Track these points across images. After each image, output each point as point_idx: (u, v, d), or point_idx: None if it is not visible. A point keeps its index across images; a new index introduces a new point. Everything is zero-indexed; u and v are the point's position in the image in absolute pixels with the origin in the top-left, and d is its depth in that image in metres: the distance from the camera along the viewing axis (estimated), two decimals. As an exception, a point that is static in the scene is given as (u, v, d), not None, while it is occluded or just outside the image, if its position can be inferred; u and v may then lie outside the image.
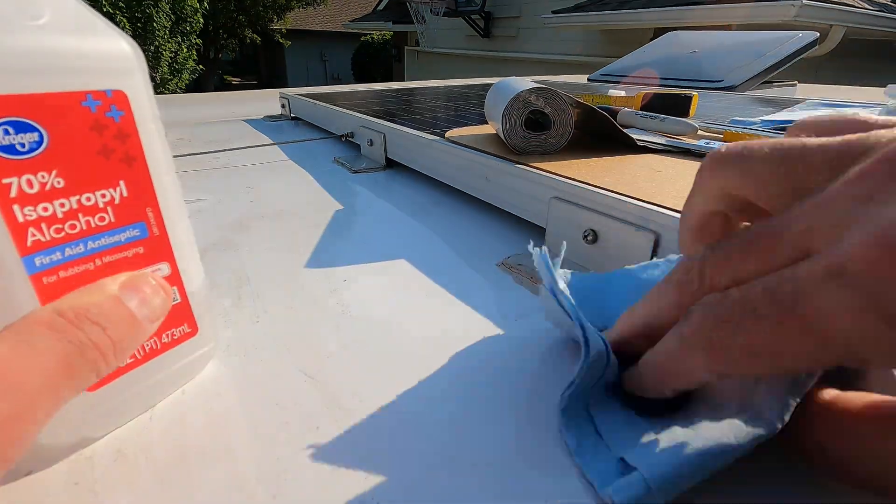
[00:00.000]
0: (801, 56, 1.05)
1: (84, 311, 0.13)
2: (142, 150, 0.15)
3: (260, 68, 11.37)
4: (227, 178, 0.47)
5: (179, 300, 0.17)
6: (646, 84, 1.03)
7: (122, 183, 0.15)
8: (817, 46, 1.10)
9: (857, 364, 0.11)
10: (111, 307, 0.14)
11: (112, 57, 0.14)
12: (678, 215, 0.23)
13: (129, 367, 0.16)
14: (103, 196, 0.14)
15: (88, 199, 0.14)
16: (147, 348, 0.16)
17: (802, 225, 0.11)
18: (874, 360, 0.10)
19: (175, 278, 0.17)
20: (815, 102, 0.60)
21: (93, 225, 0.14)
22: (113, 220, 0.15)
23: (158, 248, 0.16)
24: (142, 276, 0.15)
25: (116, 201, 0.15)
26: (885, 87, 0.47)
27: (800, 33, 1.07)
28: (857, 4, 2.61)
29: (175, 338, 0.17)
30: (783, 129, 0.42)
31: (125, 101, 0.14)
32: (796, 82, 1.18)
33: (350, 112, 0.58)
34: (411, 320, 0.23)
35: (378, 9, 7.41)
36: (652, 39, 1.33)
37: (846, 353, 0.10)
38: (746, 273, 0.12)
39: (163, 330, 0.17)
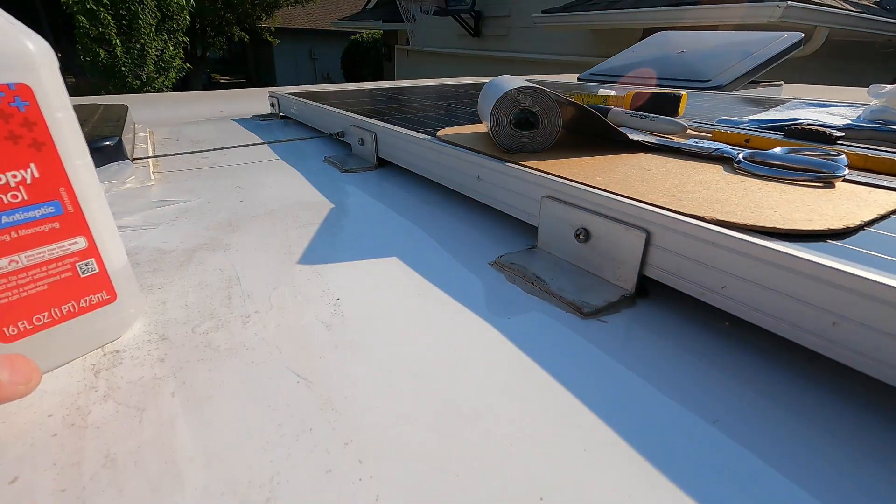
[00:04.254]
0: (787, 56, 1.06)
1: None
2: (50, 137, 0.17)
3: (248, 67, 11.25)
4: (216, 178, 0.47)
5: (98, 271, 0.19)
6: (640, 84, 1.04)
7: (32, 165, 0.16)
8: (802, 47, 1.11)
9: None
10: None
11: (15, 54, 0.15)
12: (669, 213, 0.23)
13: (47, 325, 0.18)
14: (14, 176, 0.16)
15: None
16: (65, 311, 0.19)
17: None
18: None
19: (92, 251, 0.19)
20: (801, 102, 0.60)
21: (5, 202, 0.16)
22: (26, 198, 0.16)
23: (74, 224, 0.18)
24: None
25: (28, 181, 0.16)
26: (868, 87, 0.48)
27: (785, 34, 1.09)
28: (840, 6, 2.65)
29: (93, 303, 0.20)
30: (770, 128, 0.42)
31: (29, 93, 0.16)
32: (782, 82, 1.20)
33: (341, 111, 0.58)
34: (403, 320, 0.23)
35: (368, 7, 7.38)
36: (641, 39, 1.34)
37: None
38: None
39: (81, 296, 0.19)
